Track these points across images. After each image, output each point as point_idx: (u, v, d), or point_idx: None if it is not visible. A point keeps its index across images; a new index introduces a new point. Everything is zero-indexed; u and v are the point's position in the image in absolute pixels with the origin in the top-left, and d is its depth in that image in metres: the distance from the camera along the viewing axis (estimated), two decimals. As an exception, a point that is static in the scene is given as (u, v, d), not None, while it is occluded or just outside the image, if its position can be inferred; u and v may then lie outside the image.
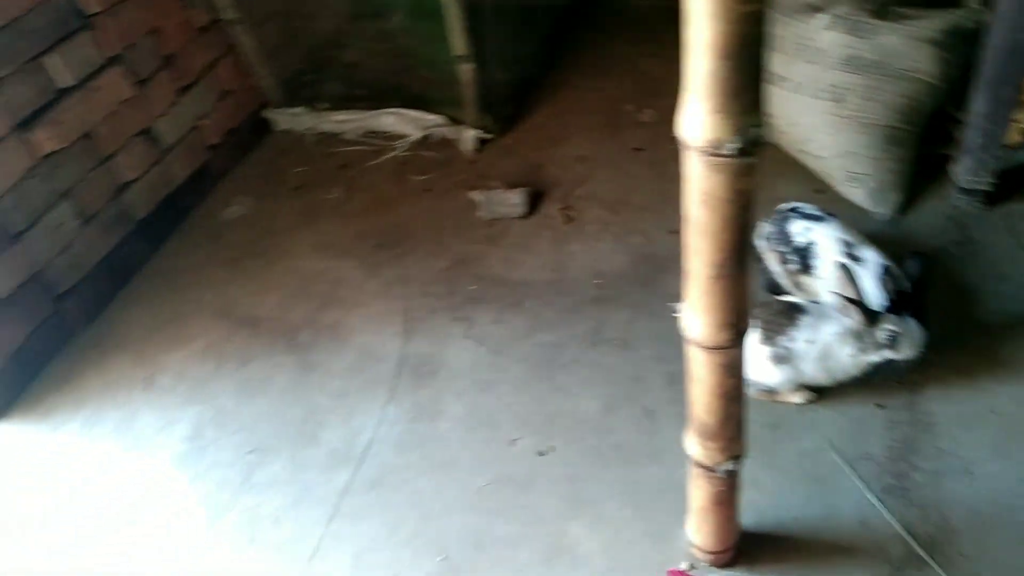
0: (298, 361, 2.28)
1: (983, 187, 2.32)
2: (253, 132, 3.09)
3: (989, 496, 1.73)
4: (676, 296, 2.23)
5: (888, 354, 1.82)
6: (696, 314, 1.21)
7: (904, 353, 1.82)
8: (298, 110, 3.06)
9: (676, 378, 2.06)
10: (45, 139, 2.28)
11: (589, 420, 2.02)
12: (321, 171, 2.96)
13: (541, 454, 1.96)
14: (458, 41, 2.65)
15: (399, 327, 2.33)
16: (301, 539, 1.86)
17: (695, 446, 1.45)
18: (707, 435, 1.39)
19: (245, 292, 2.52)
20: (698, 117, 0.94)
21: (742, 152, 0.95)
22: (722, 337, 1.22)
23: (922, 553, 1.64)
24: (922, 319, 1.84)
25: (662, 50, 3.26)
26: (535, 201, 2.66)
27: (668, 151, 2.74)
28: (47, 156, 2.30)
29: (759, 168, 1.00)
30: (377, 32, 3.10)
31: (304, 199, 2.85)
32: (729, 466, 1.45)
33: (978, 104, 2.19)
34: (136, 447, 2.13)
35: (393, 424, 2.08)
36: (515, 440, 2.00)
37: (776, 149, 2.60)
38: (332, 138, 3.07)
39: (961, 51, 2.30)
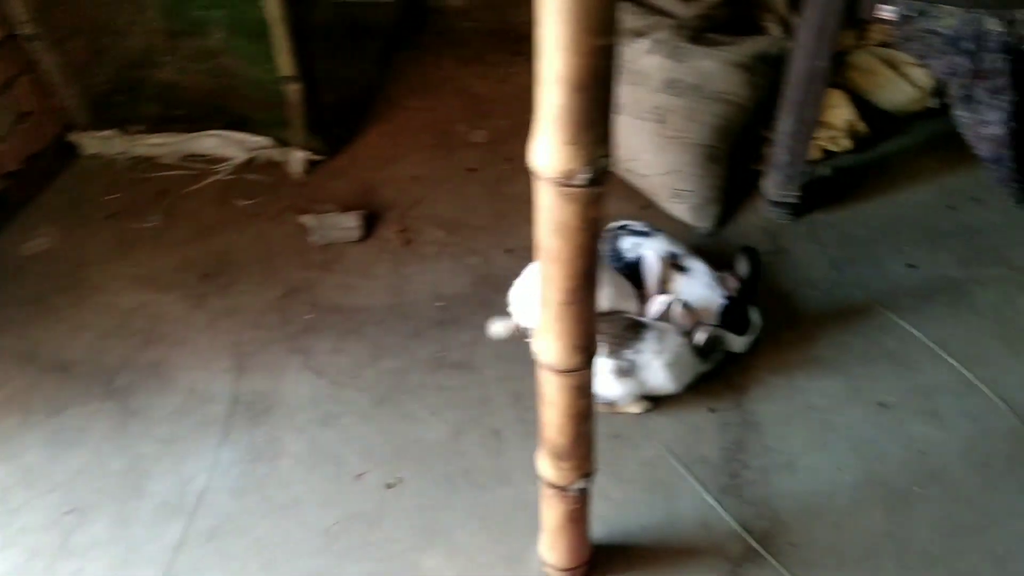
0: (117, 407, 2.09)
1: (790, 199, 2.51)
2: (57, 157, 2.82)
3: (811, 487, 1.86)
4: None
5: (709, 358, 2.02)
6: (549, 339, 1.22)
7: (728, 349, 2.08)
8: (109, 133, 2.82)
9: (521, 396, 2.08)
10: None
11: (437, 446, 1.99)
12: (136, 198, 2.74)
13: (389, 486, 1.91)
14: (284, 61, 2.54)
15: (229, 363, 2.19)
16: (132, 603, 1.71)
17: (547, 467, 1.46)
18: (559, 455, 1.40)
19: (52, 334, 2.29)
20: (550, 148, 0.94)
21: (593, 182, 0.96)
22: (574, 360, 1.23)
23: (757, 547, 1.74)
24: (753, 307, 2.10)
25: (490, 71, 3.31)
26: (370, 224, 2.59)
27: (501, 171, 2.83)
28: None
29: (607, 196, 1.02)
30: (196, 50, 2.92)
31: (118, 229, 2.63)
32: (581, 484, 1.47)
33: (784, 124, 2.37)
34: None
35: (228, 468, 1.96)
36: (361, 474, 1.93)
37: (604, 168, 2.69)
38: (148, 162, 2.86)
39: (768, 75, 2.49)
